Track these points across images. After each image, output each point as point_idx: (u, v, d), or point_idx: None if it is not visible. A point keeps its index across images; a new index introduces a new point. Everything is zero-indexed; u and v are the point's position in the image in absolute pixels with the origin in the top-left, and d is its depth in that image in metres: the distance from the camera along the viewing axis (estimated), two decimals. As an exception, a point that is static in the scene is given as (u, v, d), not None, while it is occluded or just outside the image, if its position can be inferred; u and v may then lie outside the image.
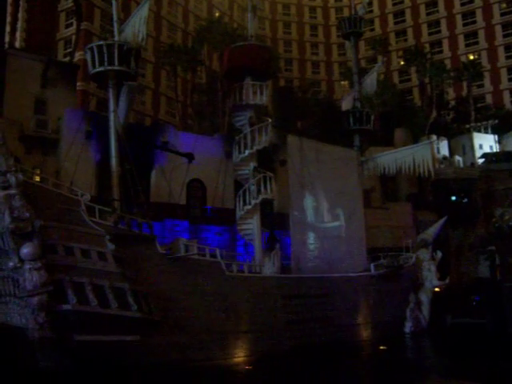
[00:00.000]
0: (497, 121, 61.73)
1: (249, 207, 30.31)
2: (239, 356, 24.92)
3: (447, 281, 36.52)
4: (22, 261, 19.60)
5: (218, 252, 26.22)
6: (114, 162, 25.82)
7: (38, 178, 25.36)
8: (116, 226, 22.94)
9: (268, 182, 30.75)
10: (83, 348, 20.21)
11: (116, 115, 26.17)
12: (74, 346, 20.13)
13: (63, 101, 34.27)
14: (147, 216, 24.80)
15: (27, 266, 19.51)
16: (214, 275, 25.33)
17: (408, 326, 34.80)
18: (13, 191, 19.53)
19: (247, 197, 30.43)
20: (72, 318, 20.28)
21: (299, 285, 29.11)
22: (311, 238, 32.69)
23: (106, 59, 25.72)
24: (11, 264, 19.91)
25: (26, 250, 19.53)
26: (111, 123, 26.15)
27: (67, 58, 47.74)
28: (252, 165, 31.04)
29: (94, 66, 26.26)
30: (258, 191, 30.45)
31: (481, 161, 54.46)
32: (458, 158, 58.30)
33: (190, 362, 22.60)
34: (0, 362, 20.11)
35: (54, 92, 34.38)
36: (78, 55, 47.51)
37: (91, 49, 26.21)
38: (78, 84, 42.59)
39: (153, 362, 21.48)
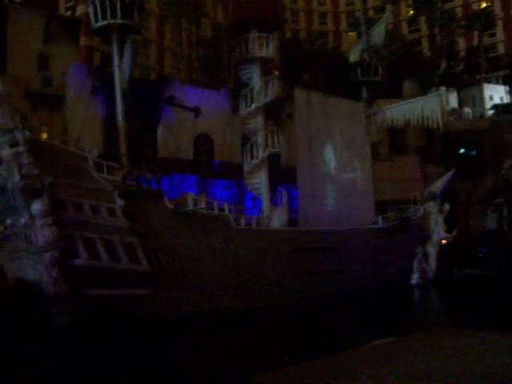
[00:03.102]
0: (508, 71, 60.50)
1: (256, 161, 30.30)
2: (248, 308, 25.36)
3: (454, 233, 36.66)
4: (32, 217, 19.87)
5: (226, 206, 26.38)
6: (120, 117, 25.73)
7: (45, 135, 25.37)
8: (124, 181, 23.06)
9: (275, 136, 30.61)
10: (96, 302, 20.68)
11: (121, 70, 25.90)
12: (86, 300, 20.61)
13: (67, 56, 33.79)
14: (155, 171, 24.87)
15: (38, 223, 19.80)
16: (222, 229, 25.59)
17: (415, 278, 35.19)
18: (21, 148, 19.58)
19: (254, 151, 30.37)
20: (84, 273, 20.70)
21: (307, 238, 29.36)
22: (319, 190, 32.72)
23: (108, 12, 25.25)
24: (22, 221, 20.21)
25: (37, 206, 19.77)
26: (116, 78, 25.91)
27: (69, 12, 46.86)
28: (259, 118, 30.82)
29: (96, 20, 25.81)
30: (266, 145, 30.35)
31: (491, 112, 53.71)
32: (467, 109, 57.46)
33: (200, 314, 23.08)
34: (18, 316, 20.67)
35: (57, 48, 33.86)
36: (80, 9, 46.57)
37: (93, 2, 25.67)
38: (82, 39, 41.85)
39: (163, 315, 21.98)
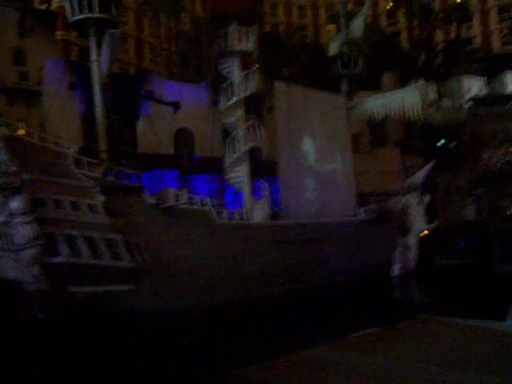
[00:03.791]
0: (485, 63, 61.17)
1: (237, 155, 30.22)
2: (231, 302, 25.34)
3: (435, 224, 37.01)
4: (12, 215, 19.58)
5: (207, 200, 26.29)
6: (99, 112, 25.44)
7: (22, 131, 24.95)
8: (105, 177, 22.83)
9: (256, 129, 30.56)
10: (78, 299, 20.50)
11: (99, 65, 25.59)
12: (69, 298, 20.41)
13: (43, 51, 33.18)
14: (135, 166, 24.68)
15: (18, 220, 19.52)
16: (204, 224, 25.51)
17: (396, 269, 35.45)
18: (-3, 145, 19.26)
19: (235, 145, 30.29)
20: (65, 270, 20.48)
21: (290, 231, 29.42)
22: (300, 183, 32.78)
23: (85, 6, 24.90)
24: (1, 218, 19.91)
25: (16, 204, 19.48)
26: (94, 73, 25.60)
27: (44, 6, 46.07)
28: (239, 112, 30.72)
29: (73, 14, 25.44)
30: (246, 139, 30.28)
31: (469, 104, 54.24)
32: (446, 101, 57.95)
33: (184, 308, 23.00)
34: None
35: (32, 42, 33.26)
36: (55, 2, 45.82)
37: (69, -5, 25.28)
38: (58, 33, 41.21)
39: (147, 311, 21.87)
